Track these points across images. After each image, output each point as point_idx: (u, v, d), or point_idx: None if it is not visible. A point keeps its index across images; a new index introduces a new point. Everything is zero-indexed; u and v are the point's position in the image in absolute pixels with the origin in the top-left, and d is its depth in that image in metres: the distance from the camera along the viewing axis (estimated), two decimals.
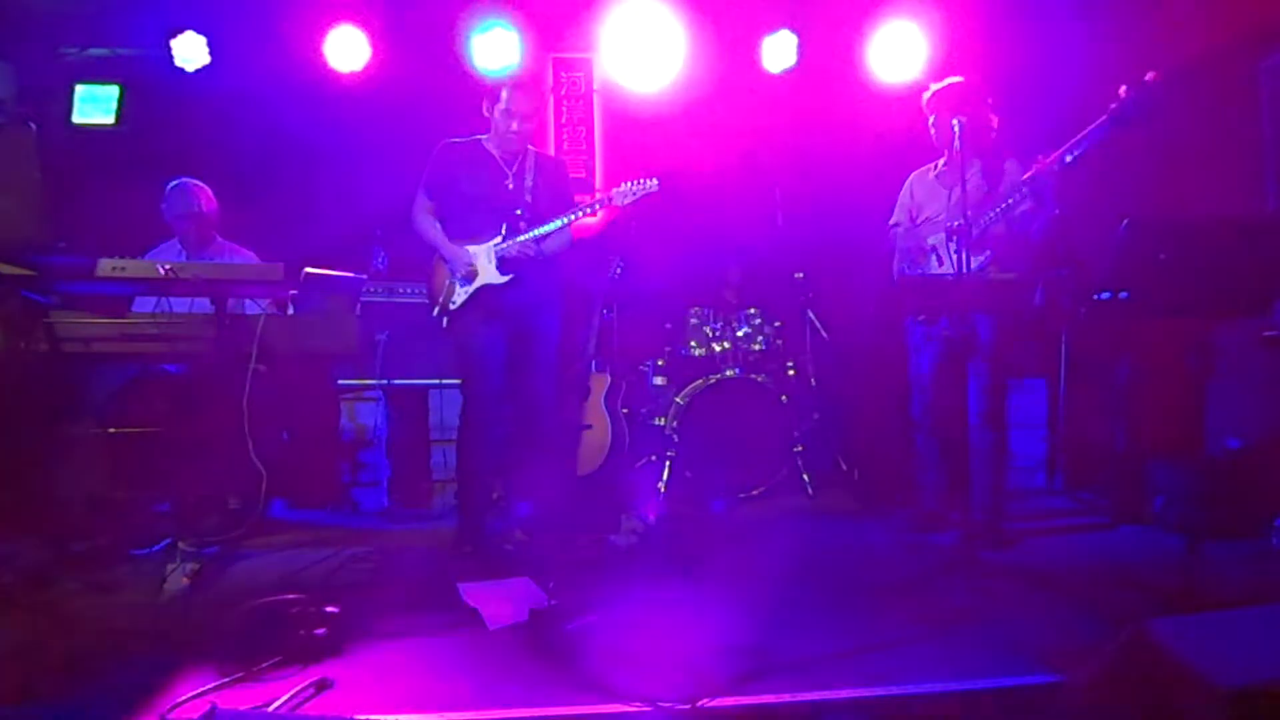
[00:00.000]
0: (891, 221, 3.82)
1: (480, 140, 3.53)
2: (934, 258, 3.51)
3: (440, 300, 3.50)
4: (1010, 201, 3.22)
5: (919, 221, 3.64)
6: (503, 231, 3.43)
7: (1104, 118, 2.96)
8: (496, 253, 3.42)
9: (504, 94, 3.41)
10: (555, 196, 3.56)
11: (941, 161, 3.63)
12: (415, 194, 3.55)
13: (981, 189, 3.33)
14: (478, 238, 3.45)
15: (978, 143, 3.32)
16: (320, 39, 5.02)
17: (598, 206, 3.52)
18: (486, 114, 3.48)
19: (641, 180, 3.48)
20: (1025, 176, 3.16)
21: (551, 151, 5.68)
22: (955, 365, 3.56)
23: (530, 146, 3.58)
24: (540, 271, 3.49)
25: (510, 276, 3.42)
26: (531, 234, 3.40)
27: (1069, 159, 3.04)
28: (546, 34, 5.47)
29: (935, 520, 3.71)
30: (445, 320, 3.51)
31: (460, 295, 3.46)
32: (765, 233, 5.07)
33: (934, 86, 3.51)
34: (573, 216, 3.47)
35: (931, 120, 3.54)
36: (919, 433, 3.73)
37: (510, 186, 3.47)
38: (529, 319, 3.51)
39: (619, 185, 3.48)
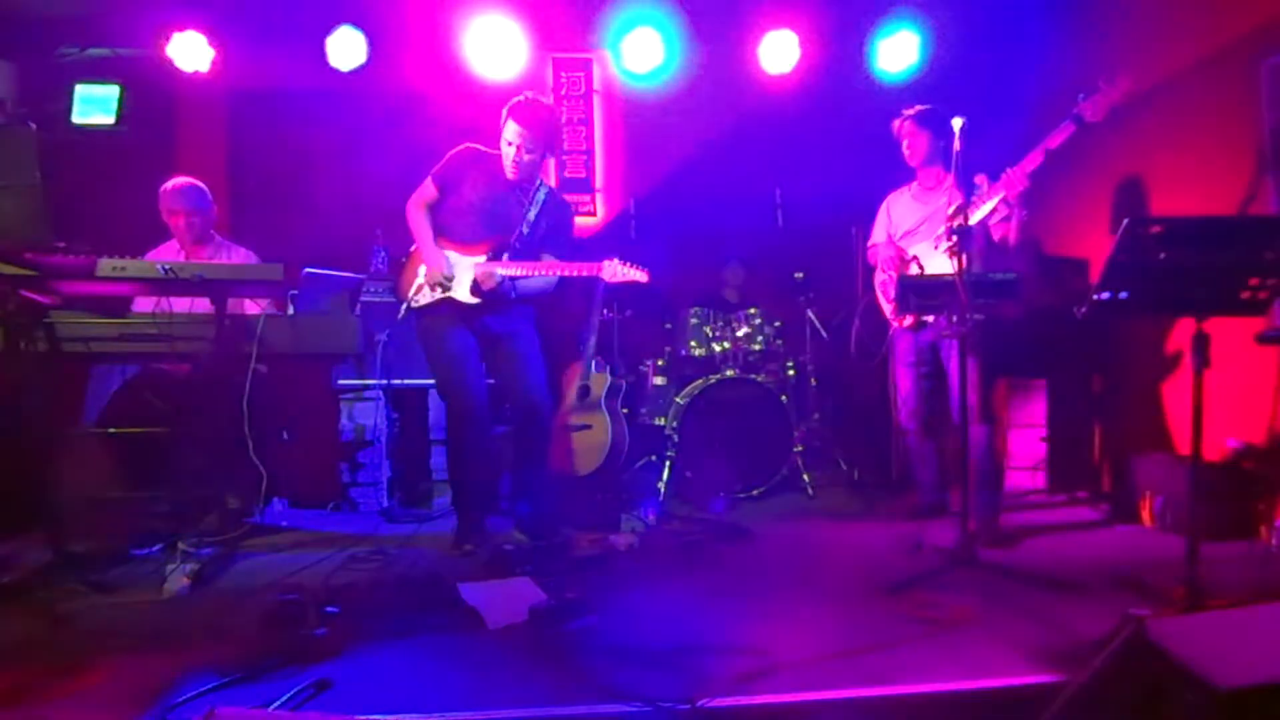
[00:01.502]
0: (870, 242, 3.97)
1: (501, 157, 3.50)
2: (914, 267, 3.65)
3: (408, 294, 3.51)
4: (986, 212, 3.35)
5: (899, 238, 3.77)
6: (488, 255, 3.43)
7: (1064, 124, 3.16)
8: (474, 271, 3.40)
9: (508, 124, 3.37)
10: (552, 236, 3.57)
11: (915, 183, 3.80)
12: (421, 181, 3.53)
13: (955, 201, 3.41)
14: (464, 246, 3.46)
15: (949, 160, 3.47)
16: (320, 39, 5.03)
17: (584, 272, 3.45)
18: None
19: (633, 266, 3.43)
20: (996, 185, 3.30)
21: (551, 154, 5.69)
22: (938, 371, 3.68)
23: (544, 182, 3.58)
24: (512, 304, 3.51)
25: (478, 302, 3.41)
26: (511, 272, 3.39)
27: (1031, 168, 3.22)
28: (546, 34, 5.47)
29: (934, 510, 3.81)
30: (404, 311, 3.53)
31: (426, 296, 3.46)
32: (765, 233, 5.08)
33: (906, 112, 3.68)
34: (554, 274, 3.46)
35: (905, 143, 3.70)
36: (910, 437, 3.85)
37: (497, 202, 3.47)
38: (501, 335, 3.53)
39: (614, 261, 3.43)
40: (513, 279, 3.42)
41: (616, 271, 3.42)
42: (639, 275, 3.43)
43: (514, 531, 3.69)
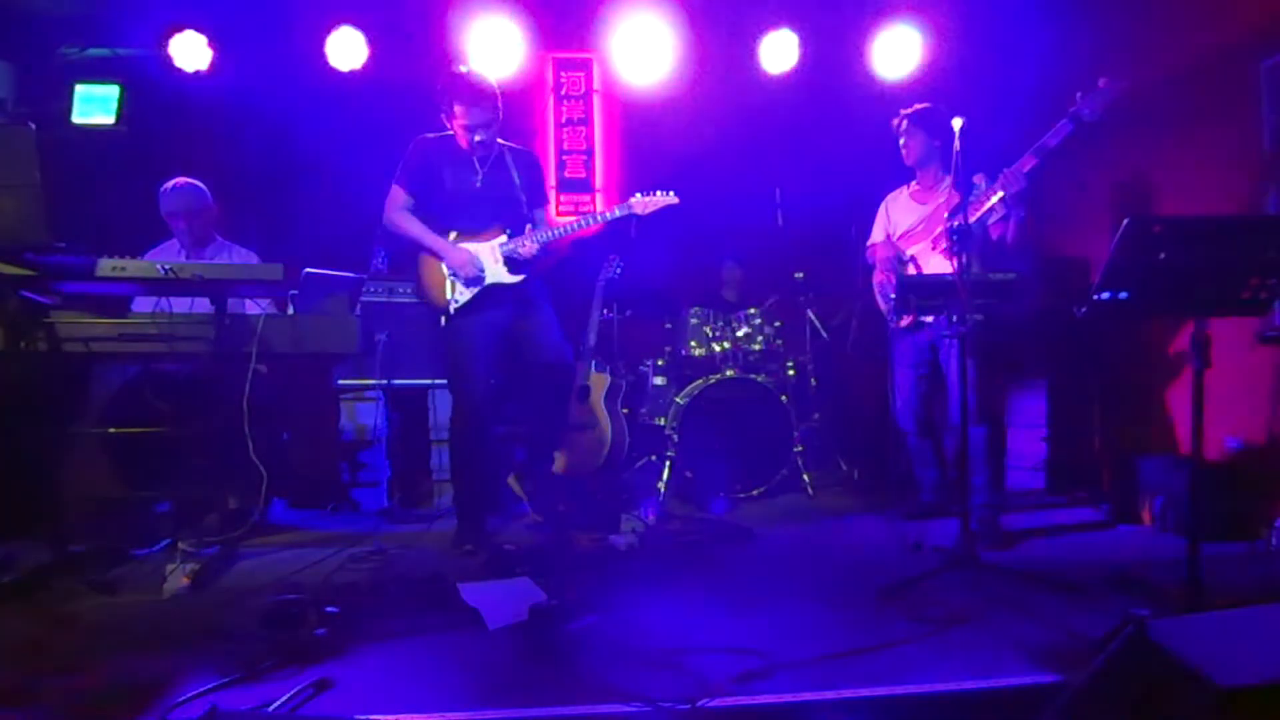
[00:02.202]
0: (869, 241, 3.97)
1: (454, 136, 3.46)
2: (911, 266, 3.65)
3: (443, 298, 3.44)
4: (984, 211, 3.34)
5: (897, 238, 3.77)
6: (507, 232, 3.45)
7: (1061, 122, 3.14)
8: (503, 253, 3.42)
9: (458, 109, 3.33)
10: (535, 189, 3.60)
11: (914, 183, 3.79)
12: (390, 187, 3.48)
13: (953, 201, 3.42)
14: (466, 234, 3.44)
15: (945, 160, 3.49)
16: (320, 39, 5.03)
17: (617, 212, 3.50)
18: (445, 121, 3.42)
19: (660, 191, 3.49)
20: (994, 185, 3.29)
21: (551, 149, 5.70)
22: (937, 371, 3.68)
23: (501, 141, 3.54)
24: (534, 285, 3.55)
25: (523, 277, 3.44)
26: (545, 236, 3.42)
27: (1029, 167, 3.20)
28: (546, 34, 5.48)
29: (934, 510, 3.82)
30: (446, 320, 3.46)
31: (465, 294, 3.43)
32: (765, 233, 5.08)
33: (904, 111, 3.68)
34: (588, 221, 3.52)
35: (902, 141, 3.70)
36: (909, 437, 3.86)
37: (481, 183, 3.46)
38: (528, 310, 3.54)
39: (636, 195, 3.49)
40: (546, 243, 3.44)
41: (647, 203, 3.47)
42: (669, 199, 3.48)
43: (531, 514, 3.70)
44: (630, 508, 4.04)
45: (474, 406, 3.47)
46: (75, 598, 2.82)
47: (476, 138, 3.37)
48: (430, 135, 3.50)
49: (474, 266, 3.39)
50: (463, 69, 3.41)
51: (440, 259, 3.43)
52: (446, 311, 3.45)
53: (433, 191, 3.46)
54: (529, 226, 3.51)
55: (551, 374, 3.63)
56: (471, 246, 3.43)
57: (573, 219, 3.50)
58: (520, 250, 3.41)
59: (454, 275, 3.43)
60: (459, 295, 3.43)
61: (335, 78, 5.08)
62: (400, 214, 3.47)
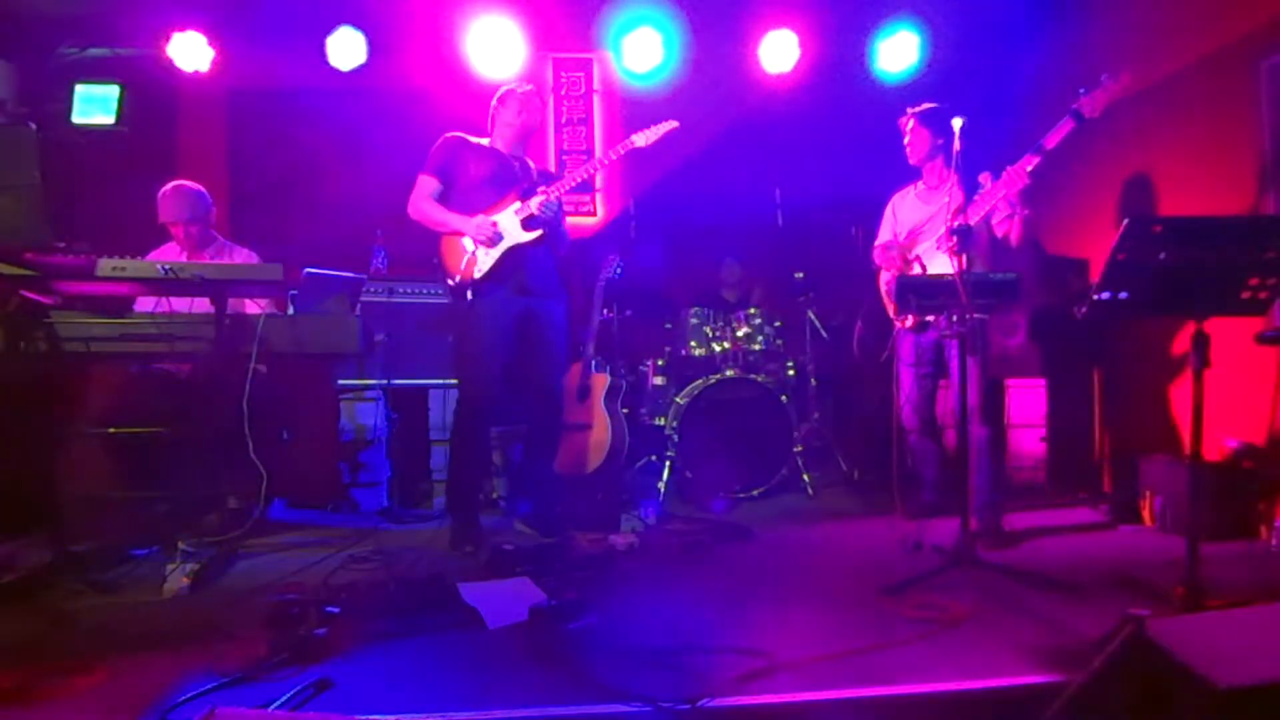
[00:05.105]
0: (876, 242, 3.95)
1: (486, 141, 3.65)
2: (916, 266, 3.65)
3: (462, 270, 3.46)
4: (988, 210, 3.34)
5: (903, 238, 3.77)
6: (520, 199, 3.50)
7: (1064, 119, 3.14)
8: (519, 215, 3.48)
9: (517, 103, 3.59)
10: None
11: (920, 182, 3.79)
12: (417, 179, 3.55)
13: (958, 200, 3.41)
14: (489, 211, 3.50)
15: (950, 159, 3.46)
16: (320, 39, 5.03)
17: (621, 150, 3.56)
18: (495, 114, 3.63)
19: (658, 125, 3.54)
20: (997, 183, 3.29)
21: (551, 149, 5.73)
22: (940, 371, 3.69)
23: (529, 160, 3.72)
24: (552, 246, 3.60)
25: (539, 232, 3.47)
26: (557, 188, 3.50)
27: (1032, 166, 3.20)
28: (546, 34, 5.48)
29: (934, 510, 3.80)
30: (469, 292, 3.48)
31: (486, 261, 3.45)
32: (765, 232, 5.08)
33: (910, 110, 3.68)
34: (596, 166, 3.69)
35: (907, 140, 3.70)
36: (911, 436, 3.85)
37: (500, 171, 3.57)
38: (536, 320, 3.55)
39: (636, 133, 3.55)
40: (559, 196, 3.52)
41: (649, 134, 3.53)
42: (669, 125, 3.54)
43: (518, 525, 3.71)
44: (630, 508, 4.04)
45: (482, 393, 3.48)
46: (75, 598, 2.82)
47: (523, 134, 3.66)
48: (462, 134, 3.61)
49: (492, 227, 3.43)
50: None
51: (461, 233, 3.47)
52: (471, 286, 3.46)
53: (457, 178, 3.55)
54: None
55: (542, 409, 3.70)
56: (493, 216, 3.50)
57: (574, 173, 3.59)
58: (535, 208, 3.45)
59: (476, 243, 3.45)
60: (482, 263, 3.45)
61: (335, 78, 5.09)
62: (424, 201, 3.53)
